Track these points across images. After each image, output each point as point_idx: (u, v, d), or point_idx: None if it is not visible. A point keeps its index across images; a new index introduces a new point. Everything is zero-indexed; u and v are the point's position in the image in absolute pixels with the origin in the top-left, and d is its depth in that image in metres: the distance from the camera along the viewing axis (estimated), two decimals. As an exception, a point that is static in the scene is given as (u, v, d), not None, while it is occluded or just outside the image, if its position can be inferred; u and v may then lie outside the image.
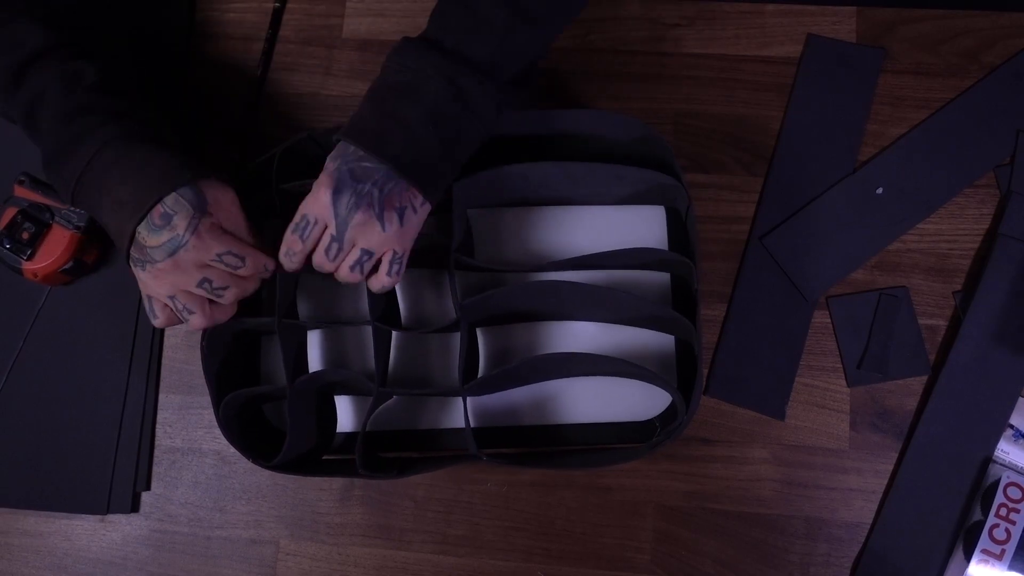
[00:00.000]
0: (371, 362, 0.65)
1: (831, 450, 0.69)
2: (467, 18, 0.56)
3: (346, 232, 0.56)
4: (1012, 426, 0.68)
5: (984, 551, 0.65)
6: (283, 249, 0.58)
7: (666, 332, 0.70)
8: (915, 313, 0.71)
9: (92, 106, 0.57)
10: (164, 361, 0.74)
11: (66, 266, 0.71)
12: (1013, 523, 0.65)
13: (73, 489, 0.72)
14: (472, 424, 0.64)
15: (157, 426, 0.73)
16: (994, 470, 0.68)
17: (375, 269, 0.58)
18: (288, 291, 0.65)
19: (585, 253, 0.64)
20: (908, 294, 0.71)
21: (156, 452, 0.73)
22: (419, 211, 0.57)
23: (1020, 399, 0.68)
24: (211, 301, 0.58)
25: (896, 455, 0.69)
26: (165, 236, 0.55)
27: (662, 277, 0.71)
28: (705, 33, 0.76)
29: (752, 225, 0.73)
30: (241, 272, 0.58)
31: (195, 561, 0.71)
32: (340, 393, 0.71)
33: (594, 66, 0.76)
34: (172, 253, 0.55)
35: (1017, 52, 0.73)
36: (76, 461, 0.72)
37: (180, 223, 0.55)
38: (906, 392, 0.70)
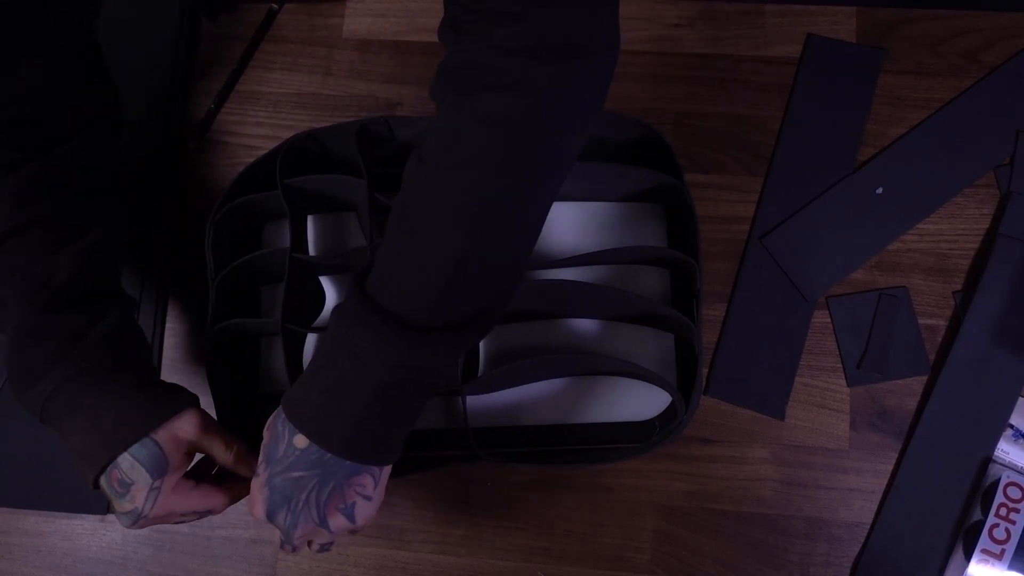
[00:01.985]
0: None
1: (831, 450, 0.69)
2: (404, 276, 0.47)
3: (294, 540, 0.51)
4: (1012, 426, 0.68)
5: (984, 551, 0.65)
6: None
7: (666, 330, 0.70)
8: (915, 313, 0.71)
9: (49, 328, 0.53)
10: (164, 361, 0.74)
11: (66, 266, 0.71)
12: (1013, 523, 0.65)
13: (73, 489, 0.72)
14: (472, 424, 0.64)
15: (157, 426, 0.73)
16: (994, 470, 0.68)
17: None
18: (292, 294, 0.65)
19: (585, 251, 0.65)
20: (908, 294, 0.71)
21: (156, 452, 0.73)
22: (379, 483, 0.51)
23: (1020, 399, 0.68)
24: None
25: (896, 455, 0.69)
26: (127, 506, 0.52)
27: (662, 275, 0.71)
28: (705, 33, 0.76)
29: (752, 225, 0.73)
30: (210, 514, 0.55)
31: (195, 561, 0.71)
32: None
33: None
34: (135, 522, 0.52)
35: (1017, 52, 0.73)
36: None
37: (138, 494, 0.51)
38: (906, 392, 0.70)
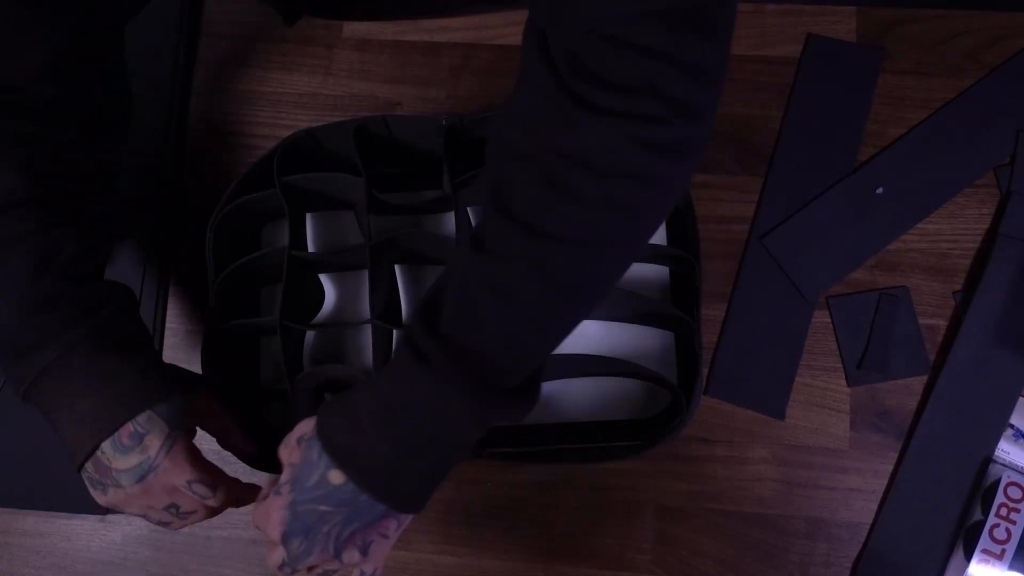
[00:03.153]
0: (370, 361, 0.65)
1: (831, 450, 0.69)
2: (493, 335, 0.46)
3: (299, 566, 0.49)
4: (1012, 426, 0.68)
5: (984, 551, 0.65)
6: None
7: (666, 329, 0.70)
8: (915, 313, 0.71)
9: (59, 299, 0.52)
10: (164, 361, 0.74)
11: (66, 266, 0.71)
12: (1013, 523, 0.65)
13: (73, 489, 0.71)
14: None
15: (157, 426, 0.73)
16: (994, 470, 0.68)
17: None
18: (291, 291, 0.65)
19: None
20: (908, 294, 0.71)
21: (156, 452, 0.73)
22: (401, 527, 0.50)
23: (1020, 399, 0.68)
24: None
25: (896, 455, 0.69)
26: (134, 459, 0.50)
27: (661, 275, 0.71)
28: (705, 33, 0.76)
29: (752, 225, 0.73)
30: (210, 503, 0.53)
31: (195, 561, 0.71)
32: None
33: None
34: (141, 478, 0.50)
35: (1017, 52, 0.73)
36: (76, 461, 0.72)
37: (153, 443, 0.50)
38: (906, 392, 0.70)
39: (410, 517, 0.51)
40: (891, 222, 0.72)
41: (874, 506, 0.69)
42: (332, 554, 0.48)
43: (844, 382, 0.70)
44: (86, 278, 0.54)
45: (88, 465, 0.51)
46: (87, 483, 0.52)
